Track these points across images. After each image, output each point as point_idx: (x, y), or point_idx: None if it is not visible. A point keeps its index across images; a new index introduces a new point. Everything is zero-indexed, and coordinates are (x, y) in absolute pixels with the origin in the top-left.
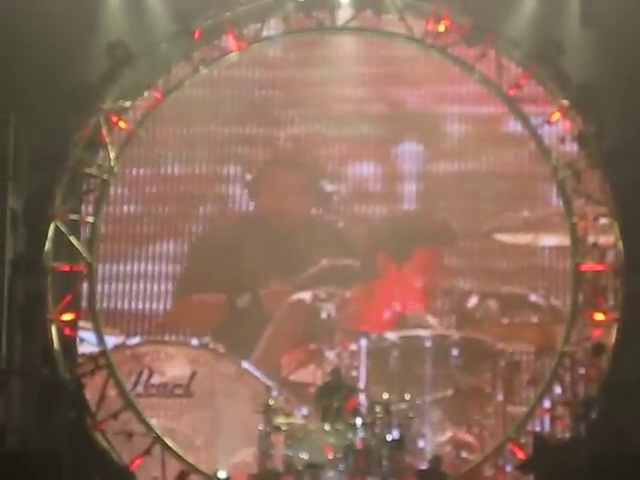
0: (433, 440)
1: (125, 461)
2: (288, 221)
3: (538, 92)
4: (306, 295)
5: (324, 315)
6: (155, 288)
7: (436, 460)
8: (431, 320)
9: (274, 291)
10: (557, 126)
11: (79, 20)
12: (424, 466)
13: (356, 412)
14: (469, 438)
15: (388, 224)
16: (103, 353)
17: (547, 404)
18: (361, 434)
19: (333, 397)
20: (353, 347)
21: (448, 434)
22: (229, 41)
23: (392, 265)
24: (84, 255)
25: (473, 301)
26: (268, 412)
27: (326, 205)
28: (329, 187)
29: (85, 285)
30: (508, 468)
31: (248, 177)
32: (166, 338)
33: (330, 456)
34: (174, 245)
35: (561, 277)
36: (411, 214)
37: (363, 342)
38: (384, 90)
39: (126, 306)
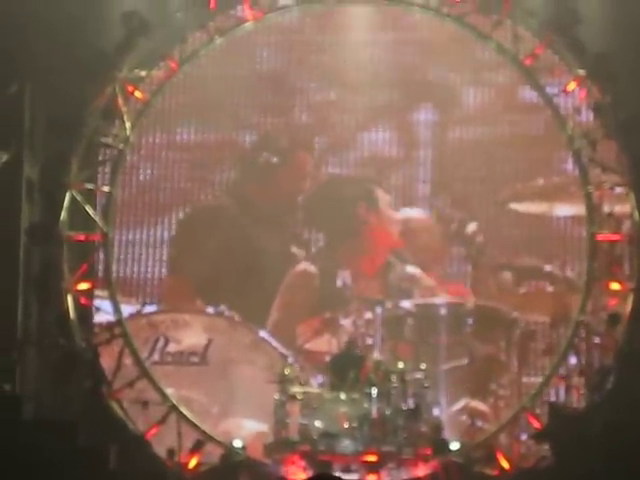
0: (448, 409)
1: (141, 430)
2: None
3: (554, 61)
4: (311, 267)
5: (339, 283)
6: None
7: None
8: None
9: None
10: (573, 96)
11: None
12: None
13: (371, 381)
14: (484, 407)
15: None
16: (119, 322)
17: (562, 373)
18: (377, 403)
19: (348, 367)
20: (368, 315)
21: (463, 403)
22: (244, 10)
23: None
24: (100, 224)
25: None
26: (284, 381)
27: None
28: None
29: (101, 254)
30: (523, 437)
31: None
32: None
33: (345, 425)
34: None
35: (576, 246)
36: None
37: (378, 310)
38: (400, 58)
39: (142, 275)
